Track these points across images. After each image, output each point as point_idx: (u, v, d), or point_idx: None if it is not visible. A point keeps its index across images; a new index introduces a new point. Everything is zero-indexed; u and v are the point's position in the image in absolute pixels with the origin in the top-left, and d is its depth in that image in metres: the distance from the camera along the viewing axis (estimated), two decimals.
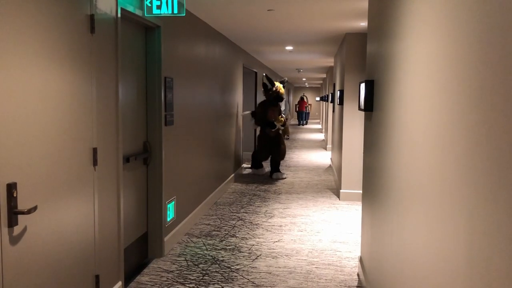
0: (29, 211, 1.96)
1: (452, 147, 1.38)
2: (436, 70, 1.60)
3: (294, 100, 30.30)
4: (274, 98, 8.20)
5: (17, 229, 1.98)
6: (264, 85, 8.20)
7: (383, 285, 2.59)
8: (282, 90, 8.24)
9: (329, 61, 11.22)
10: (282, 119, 8.25)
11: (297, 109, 25.58)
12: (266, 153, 8.39)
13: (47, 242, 2.23)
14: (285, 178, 8.29)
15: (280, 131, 8.42)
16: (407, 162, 2.05)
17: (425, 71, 1.77)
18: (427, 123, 1.71)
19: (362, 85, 3.48)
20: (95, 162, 2.76)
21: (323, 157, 11.56)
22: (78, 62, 2.53)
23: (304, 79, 22.12)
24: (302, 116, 25.52)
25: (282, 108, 17.70)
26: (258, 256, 4.17)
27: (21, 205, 2.00)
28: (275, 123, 8.17)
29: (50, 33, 2.23)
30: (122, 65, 3.33)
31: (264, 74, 8.55)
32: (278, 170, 8.44)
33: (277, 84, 8.24)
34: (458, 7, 1.37)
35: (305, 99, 25.62)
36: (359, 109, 3.73)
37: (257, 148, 8.54)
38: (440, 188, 1.50)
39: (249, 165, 9.47)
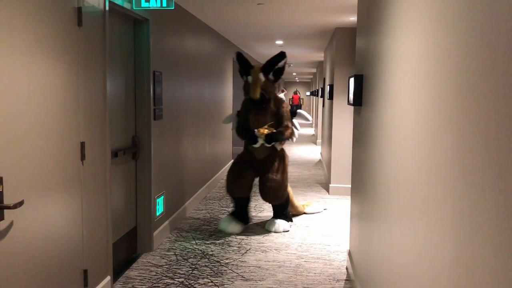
0: (15, 206, 1.94)
1: (439, 142, 1.39)
2: (424, 65, 1.61)
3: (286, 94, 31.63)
4: (250, 100, 4.65)
5: (3, 224, 1.96)
6: (239, 71, 4.80)
7: (372, 279, 2.62)
8: (256, 88, 4.52)
9: (319, 56, 11.23)
10: (265, 131, 4.57)
11: (291, 103, 27.96)
12: (241, 184, 4.72)
13: (34, 237, 2.21)
14: (285, 231, 4.78)
15: (279, 148, 4.79)
16: (395, 156, 2.06)
17: (413, 66, 1.78)
18: (415, 118, 1.72)
19: (351, 80, 3.49)
20: (82, 157, 2.74)
21: (313, 152, 11.59)
22: (65, 55, 2.50)
23: (294, 73, 22.14)
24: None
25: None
26: (247, 250, 4.18)
27: (7, 199, 1.98)
28: (257, 135, 4.60)
29: (36, 26, 2.20)
30: (110, 58, 3.30)
31: (236, 53, 4.86)
32: (280, 215, 4.87)
33: (254, 71, 4.60)
34: (445, 2, 1.38)
35: (299, 94, 27.41)
36: (348, 103, 3.74)
37: (227, 173, 4.90)
38: (427, 183, 1.51)
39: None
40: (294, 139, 4.93)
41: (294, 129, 4.90)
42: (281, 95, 15.48)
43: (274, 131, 4.62)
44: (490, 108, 1.01)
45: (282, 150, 4.86)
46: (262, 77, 4.54)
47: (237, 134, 4.90)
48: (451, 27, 1.31)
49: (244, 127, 4.80)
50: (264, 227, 4.86)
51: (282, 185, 4.70)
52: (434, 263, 1.40)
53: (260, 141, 4.62)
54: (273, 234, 4.68)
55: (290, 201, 5.09)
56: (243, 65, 4.69)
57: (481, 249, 1.04)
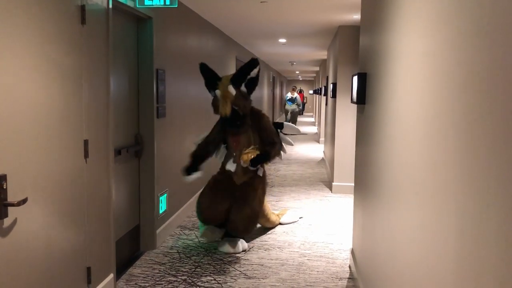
0: (19, 203, 1.95)
1: (443, 140, 1.39)
2: (428, 63, 1.60)
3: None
4: (222, 119, 4.02)
5: (7, 221, 1.97)
6: (206, 86, 4.10)
7: (375, 277, 2.61)
8: (226, 103, 3.80)
9: (322, 54, 11.21)
10: (250, 156, 3.90)
11: None
12: (216, 213, 4.07)
13: (37, 234, 2.22)
14: (239, 252, 4.02)
15: (261, 173, 4.17)
16: (399, 155, 2.06)
17: (417, 64, 1.77)
18: (419, 116, 1.71)
19: (355, 78, 3.48)
20: (86, 154, 2.74)
21: (316, 150, 11.59)
22: (68, 53, 2.51)
23: (297, 72, 22.14)
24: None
25: (292, 107, 15.68)
26: (250, 248, 4.18)
27: (11, 197, 1.98)
28: (242, 163, 3.98)
29: (40, 24, 2.21)
30: (114, 56, 3.30)
31: (199, 64, 4.06)
32: (234, 235, 4.10)
33: (222, 83, 3.89)
34: (449, 0, 1.37)
35: (302, 92, 27.63)
36: (352, 102, 3.73)
37: (200, 196, 4.20)
38: (431, 181, 1.50)
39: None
40: (283, 155, 4.32)
41: (283, 144, 4.26)
42: (295, 95, 15.39)
43: (258, 153, 3.92)
44: (494, 104, 1.01)
45: (264, 174, 4.25)
46: (232, 90, 3.79)
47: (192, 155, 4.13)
48: (455, 25, 1.30)
49: (201, 147, 4.13)
50: (263, 227, 4.86)
51: (257, 218, 4.17)
52: (437, 261, 1.40)
53: (244, 164, 3.93)
54: (276, 232, 4.68)
55: (267, 216, 4.56)
56: (209, 78, 3.96)
57: (485, 247, 1.04)
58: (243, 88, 3.88)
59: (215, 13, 5.64)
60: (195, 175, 4.01)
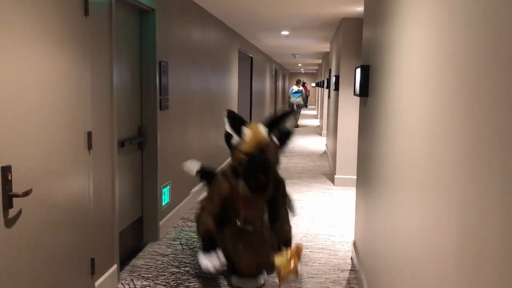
0: (23, 194, 1.97)
1: (446, 133, 1.39)
2: (431, 56, 1.60)
3: (291, 86, 31.38)
4: (242, 163, 2.99)
5: (12, 212, 1.98)
6: (226, 135, 3.18)
7: (376, 269, 2.63)
8: (254, 142, 2.97)
9: (325, 47, 11.17)
10: (295, 263, 2.89)
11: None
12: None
13: (42, 225, 2.23)
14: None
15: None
16: (401, 147, 2.06)
17: (420, 56, 1.77)
18: (422, 109, 1.71)
19: (358, 70, 3.48)
20: (89, 146, 2.75)
21: (318, 143, 11.58)
22: (72, 45, 2.51)
23: (300, 64, 22.08)
24: None
25: (298, 99, 15.44)
26: None
27: (16, 188, 2.00)
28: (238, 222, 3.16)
29: (43, 15, 2.21)
30: (117, 48, 3.30)
31: (226, 111, 3.18)
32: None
33: (252, 132, 3.01)
34: None
35: (306, 85, 27.52)
36: (355, 94, 3.73)
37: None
38: (434, 174, 1.51)
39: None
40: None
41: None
42: (301, 88, 15.34)
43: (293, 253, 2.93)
44: (499, 99, 1.01)
45: None
46: (263, 129, 3.05)
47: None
48: (460, 17, 1.30)
49: (232, 212, 3.16)
50: None
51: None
52: (438, 253, 1.40)
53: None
54: None
55: None
56: (234, 124, 3.10)
57: (486, 239, 1.05)
58: (274, 138, 3.09)
59: (218, 5, 5.62)
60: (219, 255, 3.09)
